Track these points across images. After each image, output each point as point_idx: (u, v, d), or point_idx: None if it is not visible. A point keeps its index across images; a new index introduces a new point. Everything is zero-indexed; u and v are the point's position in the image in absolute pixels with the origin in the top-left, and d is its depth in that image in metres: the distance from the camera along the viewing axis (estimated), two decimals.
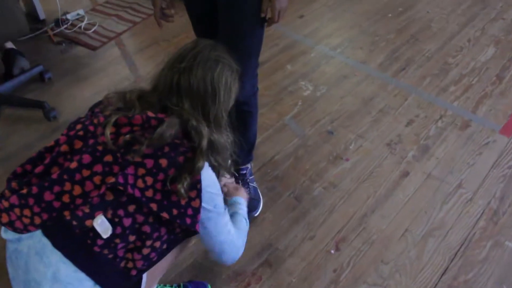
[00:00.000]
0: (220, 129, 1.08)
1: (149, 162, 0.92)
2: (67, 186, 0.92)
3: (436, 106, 2.17)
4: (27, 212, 0.91)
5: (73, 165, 0.93)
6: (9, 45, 2.29)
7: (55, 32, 2.75)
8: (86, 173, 0.92)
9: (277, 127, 2.06)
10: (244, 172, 1.69)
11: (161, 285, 1.38)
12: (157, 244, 0.99)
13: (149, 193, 0.93)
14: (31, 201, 0.91)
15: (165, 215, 0.95)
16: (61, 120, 2.14)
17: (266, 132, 2.03)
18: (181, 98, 1.02)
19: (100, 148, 0.94)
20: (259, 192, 1.71)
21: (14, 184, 0.96)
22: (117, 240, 0.93)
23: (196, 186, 0.97)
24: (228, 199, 1.30)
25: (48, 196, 0.91)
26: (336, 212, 1.67)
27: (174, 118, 0.98)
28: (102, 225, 0.91)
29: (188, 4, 1.42)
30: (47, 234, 0.92)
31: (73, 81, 2.39)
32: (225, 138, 1.10)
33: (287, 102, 2.20)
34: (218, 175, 1.12)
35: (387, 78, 2.35)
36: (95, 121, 0.98)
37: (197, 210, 0.98)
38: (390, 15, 2.90)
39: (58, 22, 2.78)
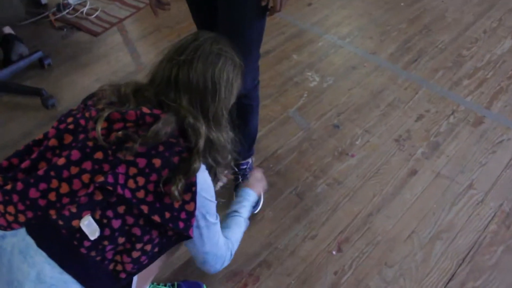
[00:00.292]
0: (220, 127, 1.01)
1: (142, 162, 0.87)
2: (54, 183, 0.87)
3: (448, 100, 2.07)
4: (11, 209, 0.87)
5: (61, 161, 0.88)
6: (7, 30, 2.23)
7: (56, 17, 2.68)
8: (74, 170, 0.87)
9: (281, 119, 1.98)
10: (245, 167, 1.62)
11: (154, 283, 1.33)
12: (148, 247, 0.94)
13: (141, 194, 0.87)
14: (15, 197, 0.86)
15: (156, 218, 0.89)
16: (60, 108, 2.08)
17: (269, 125, 1.95)
18: (179, 94, 0.95)
19: (90, 144, 0.89)
20: None
21: None
22: (105, 242, 0.88)
23: (191, 188, 0.91)
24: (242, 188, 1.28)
25: (33, 193, 0.87)
26: (339, 211, 1.60)
27: (170, 115, 0.92)
28: (89, 226, 0.86)
29: None
30: (31, 233, 0.88)
31: (73, 67, 2.33)
32: (225, 136, 1.03)
33: (292, 93, 2.12)
34: (215, 176, 1.06)
35: (398, 70, 2.26)
36: (87, 114, 0.93)
37: (191, 214, 0.92)
38: (402, 4, 2.78)
39: (60, 7, 2.72)
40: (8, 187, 0.87)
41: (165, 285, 1.33)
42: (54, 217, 0.85)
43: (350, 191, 1.67)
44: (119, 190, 0.85)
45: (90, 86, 2.19)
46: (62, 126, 0.95)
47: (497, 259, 1.46)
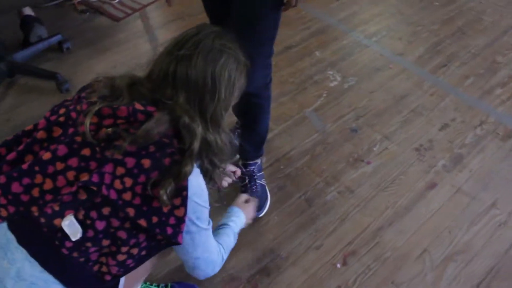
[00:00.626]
0: (218, 129, 0.95)
1: (130, 161, 0.82)
2: (38, 178, 0.84)
3: (476, 110, 1.94)
4: None
5: (47, 155, 0.84)
6: (27, 11, 2.23)
7: (79, 0, 2.66)
8: (60, 166, 0.83)
9: (297, 119, 1.90)
10: (253, 167, 1.55)
11: (147, 283, 1.29)
12: (135, 251, 0.90)
13: (127, 196, 0.82)
14: None
15: (142, 222, 0.84)
16: (74, 92, 2.05)
17: (284, 124, 1.88)
18: (176, 91, 0.89)
19: (78, 139, 0.84)
20: (267, 191, 1.58)
21: None
22: (89, 244, 0.84)
23: (181, 193, 0.85)
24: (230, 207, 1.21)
25: (16, 187, 0.84)
26: (348, 221, 1.52)
27: (164, 113, 0.86)
28: (71, 227, 0.83)
29: None
30: (12, 228, 0.86)
31: (92, 52, 2.30)
32: (223, 138, 0.96)
33: (310, 92, 2.04)
34: (211, 180, 1.00)
35: (425, 74, 2.13)
36: (78, 107, 0.88)
37: (181, 220, 0.87)
38: (437, 3, 2.63)
39: None
40: None
41: (158, 286, 1.29)
42: (36, 214, 0.83)
43: (361, 201, 1.58)
44: (104, 191, 0.81)
45: (106, 72, 2.14)
46: (53, 117, 0.91)
47: None
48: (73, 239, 0.82)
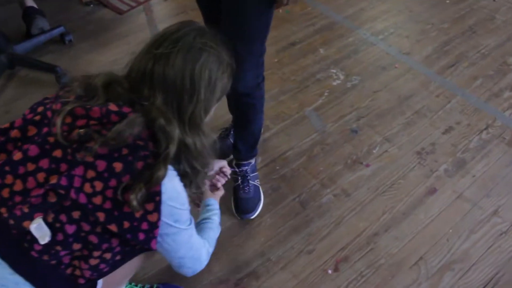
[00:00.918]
0: (197, 131, 0.90)
1: (101, 165, 0.79)
2: (8, 179, 0.81)
3: (483, 113, 1.87)
4: None
5: (18, 156, 0.82)
6: (29, 3, 2.21)
7: None
8: (31, 167, 0.81)
9: (296, 118, 1.86)
10: (246, 168, 1.52)
11: (132, 284, 1.26)
12: (108, 255, 0.87)
13: (97, 200, 0.79)
14: None
15: (113, 227, 0.81)
16: None
17: (283, 123, 1.83)
18: (154, 91, 0.86)
19: (51, 140, 0.82)
20: (261, 192, 1.54)
21: None
22: (58, 247, 0.82)
23: (154, 198, 0.82)
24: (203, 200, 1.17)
25: None
26: (343, 226, 1.48)
27: (138, 115, 0.83)
28: (39, 230, 0.81)
29: None
30: None
31: (94, 45, 2.28)
32: (204, 141, 0.92)
33: (312, 90, 1.99)
34: (191, 184, 0.96)
35: (432, 75, 2.06)
36: (54, 106, 0.85)
37: (154, 225, 0.84)
38: (448, 1, 2.54)
39: None
40: None
41: (143, 287, 1.26)
42: (5, 215, 0.80)
43: (357, 205, 1.54)
44: (73, 195, 0.78)
45: (106, 65, 2.14)
46: (29, 116, 0.89)
47: None
48: (42, 243, 0.80)
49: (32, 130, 0.86)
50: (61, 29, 2.25)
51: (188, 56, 0.86)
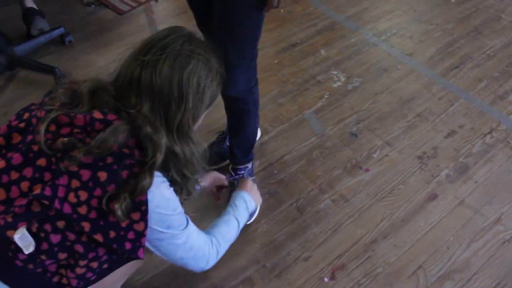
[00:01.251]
0: (185, 139, 0.89)
1: (86, 174, 0.77)
2: None
3: (487, 116, 1.83)
4: None
5: (1, 164, 0.81)
6: (29, 4, 2.20)
7: None
8: (14, 175, 0.80)
9: (295, 121, 1.83)
10: (242, 172, 1.50)
11: None
12: (94, 264, 0.86)
13: (82, 210, 0.78)
14: None
15: (98, 237, 0.80)
16: None
17: (281, 126, 1.81)
18: (141, 98, 0.84)
19: (35, 148, 0.80)
20: None
21: None
22: (43, 257, 0.81)
23: (139, 207, 0.80)
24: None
25: None
26: (340, 232, 1.45)
27: (123, 123, 0.80)
28: (23, 240, 0.79)
29: None
30: None
31: (93, 46, 2.27)
32: (192, 149, 0.90)
33: (312, 93, 1.95)
34: (182, 190, 0.94)
35: (435, 77, 2.02)
36: (39, 113, 0.83)
37: (141, 234, 0.82)
38: (453, 0, 2.49)
39: None
40: None
41: None
42: None
43: (356, 211, 1.51)
44: (57, 205, 0.77)
45: (105, 67, 2.13)
46: (14, 123, 0.87)
47: None
48: (26, 252, 0.79)
49: (17, 138, 0.85)
50: (61, 30, 2.24)
51: (176, 64, 0.84)
